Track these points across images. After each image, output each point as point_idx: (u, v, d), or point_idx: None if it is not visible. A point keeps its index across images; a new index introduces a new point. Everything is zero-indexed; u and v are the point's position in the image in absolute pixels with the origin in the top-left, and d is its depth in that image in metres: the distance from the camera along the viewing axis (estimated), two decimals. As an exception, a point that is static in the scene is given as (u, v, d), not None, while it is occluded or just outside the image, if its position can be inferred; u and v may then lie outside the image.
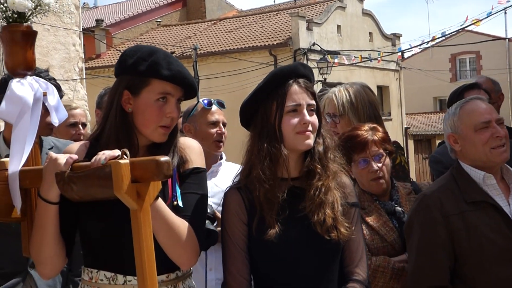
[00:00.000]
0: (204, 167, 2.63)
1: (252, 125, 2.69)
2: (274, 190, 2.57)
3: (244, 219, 2.61)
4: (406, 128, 30.90)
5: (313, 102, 2.64)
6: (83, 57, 21.06)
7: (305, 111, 2.59)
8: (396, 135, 29.81)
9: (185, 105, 3.46)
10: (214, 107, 3.83)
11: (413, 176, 30.52)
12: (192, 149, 2.61)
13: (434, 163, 4.43)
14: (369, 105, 3.90)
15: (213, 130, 3.78)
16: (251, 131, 2.69)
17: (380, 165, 3.34)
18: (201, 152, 2.64)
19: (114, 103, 2.51)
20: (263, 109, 2.63)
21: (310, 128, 2.59)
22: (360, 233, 2.73)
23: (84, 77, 20.88)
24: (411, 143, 31.32)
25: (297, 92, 2.60)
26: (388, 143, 3.44)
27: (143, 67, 2.47)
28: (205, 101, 3.82)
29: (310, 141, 2.60)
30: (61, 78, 19.23)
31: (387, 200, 3.40)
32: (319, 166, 2.62)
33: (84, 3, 37.87)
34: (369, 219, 3.29)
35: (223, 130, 3.82)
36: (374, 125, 3.48)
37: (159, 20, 33.32)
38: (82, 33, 20.06)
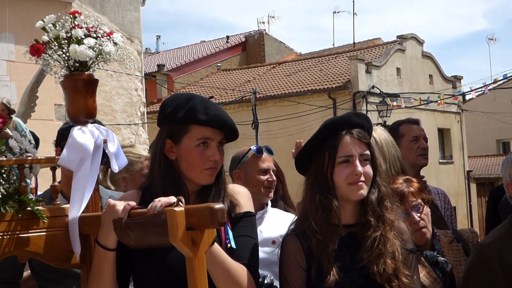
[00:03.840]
0: (254, 212, 2.65)
1: (307, 174, 2.70)
2: (326, 240, 2.57)
3: (303, 265, 2.61)
4: (469, 172, 30.32)
5: (367, 152, 2.65)
6: (145, 101, 21.54)
7: (357, 162, 2.60)
8: (458, 178, 29.25)
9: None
10: (265, 154, 3.88)
11: (475, 220, 29.82)
12: (241, 194, 2.64)
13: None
14: (392, 145, 3.89)
15: (264, 177, 3.83)
16: (306, 179, 2.71)
17: (420, 215, 3.28)
18: (250, 197, 2.68)
19: (158, 153, 2.57)
20: (316, 159, 2.66)
21: (362, 178, 2.60)
22: (418, 279, 2.71)
23: (146, 121, 21.31)
24: (473, 186, 30.69)
25: (349, 143, 2.61)
26: (425, 192, 3.39)
27: (181, 114, 2.51)
28: (256, 148, 3.87)
29: (363, 191, 2.61)
30: (123, 122, 19.65)
31: (428, 249, 3.31)
32: (372, 217, 2.61)
33: (146, 48, 38.73)
34: None
35: (274, 177, 3.87)
36: (407, 176, 3.43)
37: (219, 64, 33.77)
38: (144, 78, 20.51)
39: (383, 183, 2.70)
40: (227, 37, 37.10)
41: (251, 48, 36.12)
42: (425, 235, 3.28)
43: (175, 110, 2.53)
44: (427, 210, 3.32)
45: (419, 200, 3.29)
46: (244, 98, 26.36)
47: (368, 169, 2.63)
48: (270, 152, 3.93)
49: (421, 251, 3.27)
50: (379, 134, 3.82)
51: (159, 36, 42.50)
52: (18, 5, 15.40)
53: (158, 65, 30.52)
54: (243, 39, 36.39)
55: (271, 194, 3.87)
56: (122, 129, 19.68)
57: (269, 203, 3.93)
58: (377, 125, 4.16)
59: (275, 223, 3.64)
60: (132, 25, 21.60)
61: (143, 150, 4.61)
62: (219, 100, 26.64)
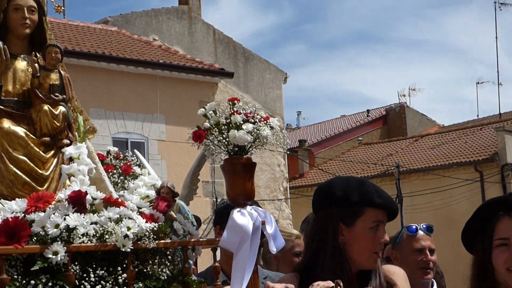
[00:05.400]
0: None
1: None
2: None
3: None
4: None
5: None
6: (287, 177, 21.77)
7: None
8: None
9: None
10: (420, 233, 3.78)
11: None
12: (397, 274, 2.64)
13: None
14: None
15: (419, 257, 3.73)
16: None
17: None
18: (406, 277, 2.67)
19: (329, 236, 2.57)
20: (476, 242, 2.57)
21: None
22: None
23: (289, 196, 21.50)
24: None
25: (506, 226, 2.48)
26: None
27: (356, 198, 2.53)
28: (410, 228, 3.81)
29: None
30: (267, 198, 19.93)
31: None
32: None
33: (287, 124, 39.37)
34: None
35: (429, 257, 3.74)
36: None
37: (360, 138, 33.68)
38: (286, 154, 20.77)
39: None
40: (368, 110, 37.05)
41: (392, 121, 35.81)
42: None
43: (348, 193, 2.56)
44: None
45: None
46: (387, 172, 26.06)
47: None
48: (429, 230, 3.81)
49: None
50: None
51: (300, 111, 43.03)
52: (168, 88, 16.22)
53: (300, 141, 30.86)
54: (384, 112, 36.19)
55: (430, 275, 3.73)
56: (266, 204, 19.95)
57: (435, 285, 3.80)
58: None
59: None
60: (275, 103, 22.15)
61: (289, 226, 4.65)
62: (361, 174, 26.46)
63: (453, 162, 25.04)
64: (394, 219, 2.67)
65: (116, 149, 3.98)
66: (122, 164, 4.07)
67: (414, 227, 3.80)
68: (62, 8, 3.75)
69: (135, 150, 3.83)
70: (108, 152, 3.95)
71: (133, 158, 4.38)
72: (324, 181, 2.76)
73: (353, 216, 2.55)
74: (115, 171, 3.90)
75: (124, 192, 3.25)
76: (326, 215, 2.62)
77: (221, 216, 3.56)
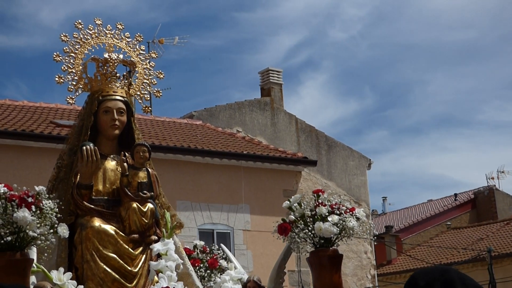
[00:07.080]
0: None
1: None
2: None
3: None
4: None
5: None
6: (375, 264, 21.34)
7: None
8: None
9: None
10: None
11: None
12: None
13: None
14: None
15: None
16: None
17: None
18: None
19: None
20: None
21: None
22: None
23: (377, 284, 20.98)
24: None
25: None
26: None
27: (438, 287, 2.46)
28: None
29: None
30: (354, 286, 19.51)
31: None
32: None
33: (373, 210, 38.79)
34: None
35: None
36: None
37: (448, 223, 32.85)
38: (373, 240, 20.45)
39: None
40: (455, 194, 36.24)
41: (481, 205, 34.85)
42: None
43: (431, 283, 2.50)
44: None
45: None
46: (478, 257, 25.17)
47: None
48: None
49: None
50: None
51: (385, 197, 42.36)
52: (252, 178, 16.37)
53: (386, 227, 30.35)
54: (472, 196, 35.31)
55: None
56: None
57: None
58: None
59: None
60: (359, 189, 21.96)
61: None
62: (451, 260, 25.67)
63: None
64: None
65: (202, 243, 4.02)
66: (208, 257, 4.10)
67: None
68: (150, 108, 3.90)
69: (221, 245, 3.86)
70: (195, 246, 3.99)
71: (219, 252, 4.41)
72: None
73: None
74: (201, 265, 3.93)
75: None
76: None
77: None
